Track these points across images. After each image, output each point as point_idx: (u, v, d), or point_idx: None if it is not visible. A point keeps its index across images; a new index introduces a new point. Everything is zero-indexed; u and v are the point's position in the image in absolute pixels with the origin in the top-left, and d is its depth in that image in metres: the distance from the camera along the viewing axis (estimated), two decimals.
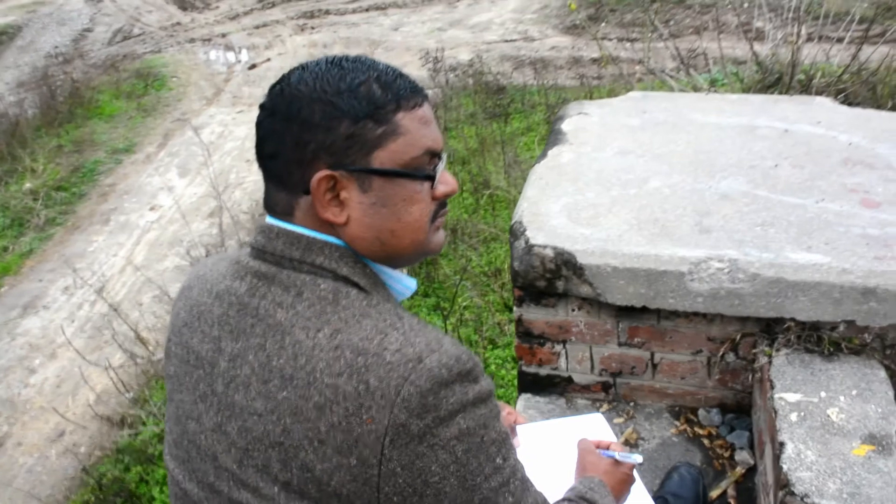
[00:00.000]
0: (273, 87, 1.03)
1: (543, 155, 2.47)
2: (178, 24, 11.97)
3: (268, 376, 0.94)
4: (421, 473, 0.90)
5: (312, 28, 11.24)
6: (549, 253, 2.03)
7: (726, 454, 2.08)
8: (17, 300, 5.83)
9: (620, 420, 2.21)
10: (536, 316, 2.17)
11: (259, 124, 1.03)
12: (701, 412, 2.18)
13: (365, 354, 0.91)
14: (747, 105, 2.74)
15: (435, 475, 0.91)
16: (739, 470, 2.02)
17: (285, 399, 0.92)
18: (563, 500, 1.22)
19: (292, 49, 10.36)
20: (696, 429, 2.15)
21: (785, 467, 1.66)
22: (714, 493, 1.97)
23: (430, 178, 1.04)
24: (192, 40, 11.01)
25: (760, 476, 1.95)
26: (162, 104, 8.89)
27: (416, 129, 1.01)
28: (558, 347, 2.21)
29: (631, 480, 1.40)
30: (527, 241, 2.06)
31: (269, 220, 1.04)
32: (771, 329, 1.99)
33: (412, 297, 4.81)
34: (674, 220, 2.09)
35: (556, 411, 2.25)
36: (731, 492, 1.98)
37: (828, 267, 1.88)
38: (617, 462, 1.39)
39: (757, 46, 5.42)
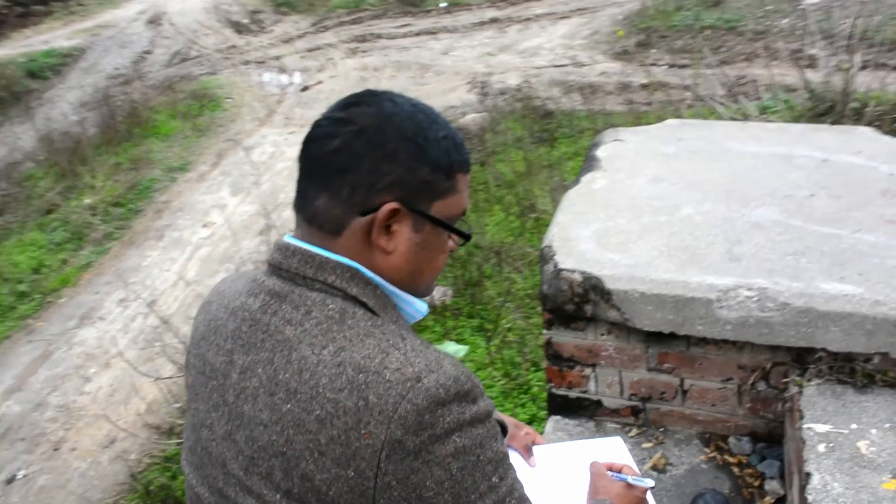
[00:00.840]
0: (361, 104, 1.09)
1: (577, 181, 2.51)
2: (234, 46, 12.32)
3: (274, 389, 1.00)
4: (416, 488, 0.95)
5: (364, 52, 11.45)
6: (578, 277, 2.06)
7: (756, 483, 2.07)
8: (75, 311, 6.04)
9: (649, 445, 2.21)
10: (566, 339, 2.20)
11: (333, 135, 1.06)
12: (731, 440, 2.17)
13: (366, 372, 0.96)
14: (786, 134, 2.74)
15: (430, 490, 0.95)
16: (769, 500, 2.01)
17: (289, 411, 0.98)
18: None
19: (344, 72, 10.57)
20: (725, 456, 2.15)
21: (810, 498, 1.66)
22: None
23: (468, 238, 1.15)
24: (246, 62, 11.31)
25: None
26: (216, 124, 9.14)
27: (464, 192, 1.14)
28: (588, 371, 2.23)
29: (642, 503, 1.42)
30: (555, 266, 2.10)
31: (288, 238, 1.10)
32: (803, 359, 1.99)
33: (456, 318, 4.86)
34: (704, 247, 2.10)
35: (585, 434, 2.27)
36: None
37: (860, 298, 1.87)
38: (630, 486, 1.41)
39: (809, 74, 5.38)
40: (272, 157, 8.64)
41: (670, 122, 2.93)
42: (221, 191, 7.96)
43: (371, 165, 1.05)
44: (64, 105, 10.09)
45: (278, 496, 0.99)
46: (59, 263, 6.76)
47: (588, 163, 2.63)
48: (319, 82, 10.40)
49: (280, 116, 9.53)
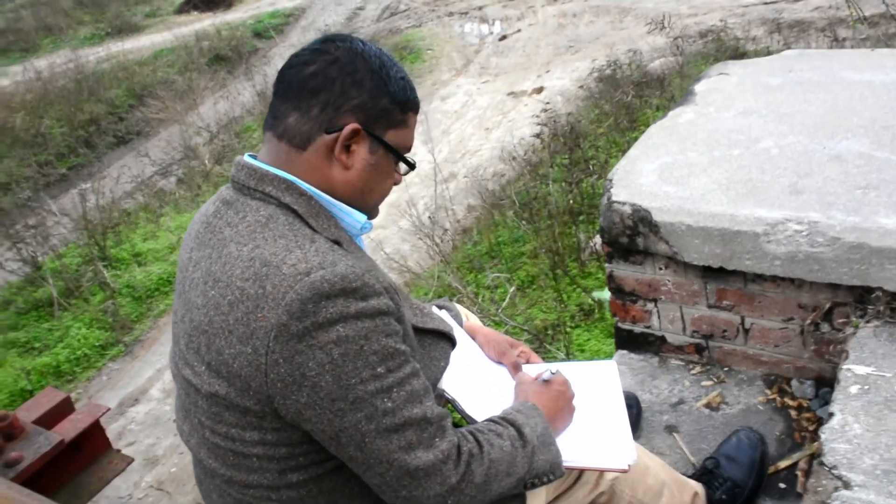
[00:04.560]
0: (336, 41, 1.28)
1: (664, 116, 2.45)
2: None
3: (207, 278, 1.19)
4: (299, 367, 1.10)
5: None
6: (627, 209, 2.06)
7: (811, 428, 1.98)
8: None
9: (709, 383, 2.18)
10: (626, 272, 2.21)
11: (310, 62, 1.26)
12: (794, 383, 2.08)
13: (268, 265, 1.13)
14: None
15: (312, 370, 1.10)
16: (816, 445, 1.92)
17: (212, 297, 1.17)
18: (488, 420, 1.33)
19: (542, 19, 10.54)
20: (786, 399, 2.07)
21: (823, 437, 1.59)
22: (783, 464, 1.90)
23: (412, 167, 1.34)
24: (450, 14, 11.62)
25: None
26: (415, 75, 9.53)
27: (412, 130, 1.34)
28: (650, 306, 2.23)
29: (565, 395, 1.46)
30: (609, 198, 2.11)
31: (244, 157, 1.29)
32: (864, 299, 1.86)
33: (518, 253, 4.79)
34: (768, 180, 2.01)
35: (647, 369, 2.27)
36: (802, 465, 1.90)
37: None
38: (547, 382, 1.46)
39: None
40: (464, 105, 8.91)
41: (788, 52, 2.74)
42: (414, 139, 8.36)
43: (341, 89, 1.24)
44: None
45: (203, 368, 1.19)
46: None
47: (684, 97, 2.56)
48: (518, 31, 10.47)
49: (476, 66, 9.75)
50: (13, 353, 6.10)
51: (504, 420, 1.32)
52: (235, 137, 8.67)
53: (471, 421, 1.42)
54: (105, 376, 5.90)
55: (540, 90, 8.66)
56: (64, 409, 2.04)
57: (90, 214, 7.29)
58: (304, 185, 1.25)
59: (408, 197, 7.33)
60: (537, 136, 6.44)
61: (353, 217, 1.29)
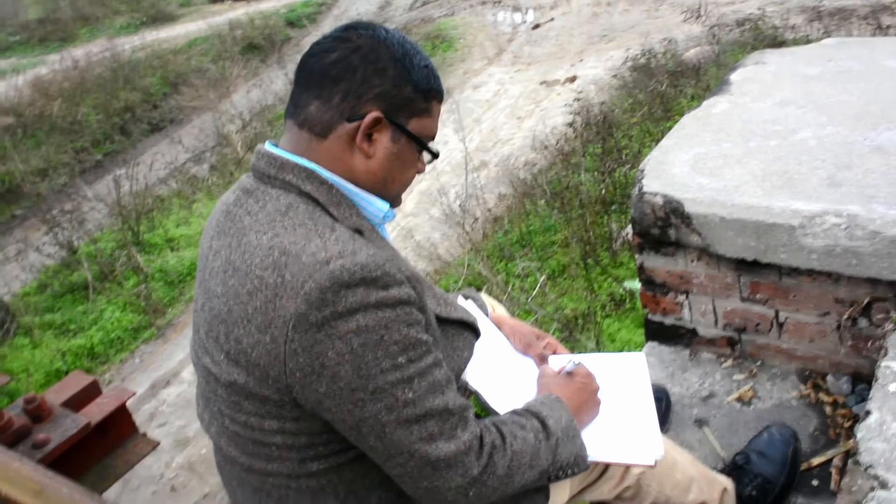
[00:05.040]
0: (358, 29, 1.26)
1: (698, 105, 2.40)
2: None
3: (227, 267, 1.18)
4: (318, 357, 1.08)
5: None
6: (659, 200, 2.02)
7: (846, 425, 1.93)
8: None
9: (741, 377, 2.13)
10: (657, 264, 2.17)
11: (332, 49, 1.24)
12: (829, 378, 2.03)
13: (287, 254, 1.12)
14: None
15: (331, 360, 1.08)
16: (851, 442, 1.87)
17: (232, 286, 1.16)
18: (511, 412, 1.31)
19: (576, 8, 10.43)
20: (821, 395, 2.02)
21: (859, 435, 1.55)
22: (816, 461, 1.85)
23: (436, 156, 1.31)
24: (483, 2, 11.55)
25: None
26: (446, 64, 9.50)
27: (436, 119, 1.30)
28: (681, 298, 2.18)
29: (589, 387, 1.43)
30: (640, 189, 2.07)
31: (265, 145, 1.27)
32: None
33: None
34: (805, 172, 1.95)
35: (678, 362, 2.23)
36: (836, 462, 1.85)
37: None
38: (570, 374, 1.43)
39: None
40: (496, 94, 8.85)
41: (827, 41, 2.67)
42: (445, 128, 8.32)
43: (363, 77, 1.22)
44: None
45: (222, 356, 1.18)
46: None
47: (719, 86, 2.50)
48: (551, 19, 10.38)
49: (509, 55, 9.68)
50: (49, 335, 6.21)
51: (528, 412, 1.30)
52: (268, 125, 8.71)
53: (494, 413, 1.40)
54: (137, 359, 5.97)
55: (573, 79, 8.57)
56: (91, 392, 2.06)
57: (124, 200, 7.37)
58: (326, 174, 1.23)
59: (439, 185, 7.30)
60: (570, 125, 6.37)
61: (375, 205, 1.28)
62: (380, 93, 1.22)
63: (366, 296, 1.09)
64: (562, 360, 1.58)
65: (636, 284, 4.57)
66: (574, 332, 4.18)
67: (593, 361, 1.58)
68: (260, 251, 1.14)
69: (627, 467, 1.49)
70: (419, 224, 6.95)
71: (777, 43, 6.88)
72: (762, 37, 7.17)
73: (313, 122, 1.23)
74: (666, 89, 6.22)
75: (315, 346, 1.08)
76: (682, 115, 6.15)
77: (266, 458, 1.20)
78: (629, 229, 4.89)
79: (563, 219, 5.32)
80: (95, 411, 1.98)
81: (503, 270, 5.21)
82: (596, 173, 5.52)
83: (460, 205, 6.30)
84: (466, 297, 1.68)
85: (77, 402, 2.03)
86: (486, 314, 1.69)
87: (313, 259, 1.10)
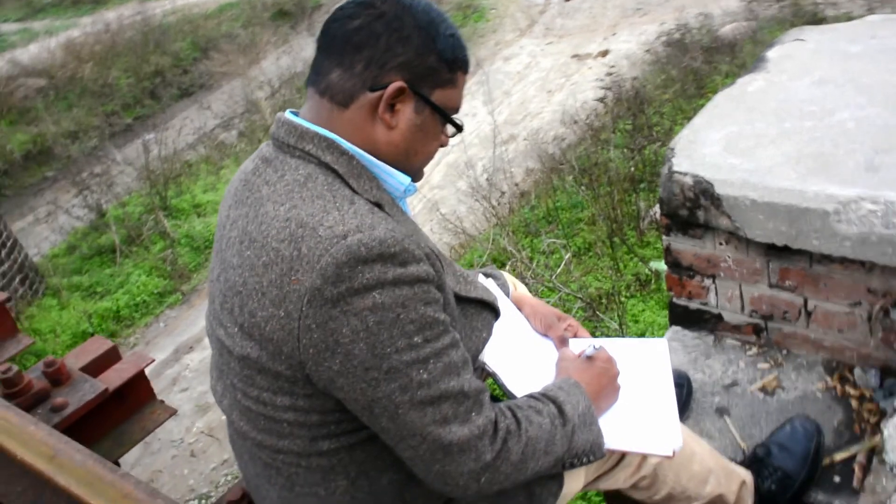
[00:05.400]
0: None
1: (732, 83, 2.33)
2: None
3: (243, 238, 1.16)
4: (332, 333, 1.06)
5: None
6: (689, 181, 1.96)
7: (873, 420, 1.87)
8: None
9: (766, 366, 2.08)
10: (684, 246, 2.11)
11: (355, 16, 1.19)
12: (857, 371, 1.97)
13: (304, 227, 1.08)
14: None
15: (346, 337, 1.05)
16: (877, 439, 1.82)
17: (248, 257, 1.13)
18: (528, 396, 1.28)
19: None
20: (847, 388, 1.96)
21: (886, 432, 1.51)
22: (839, 456, 1.81)
23: (460, 128, 1.26)
24: None
25: None
26: (477, 35, 9.40)
27: (461, 89, 1.26)
28: (707, 282, 2.13)
29: (609, 373, 1.40)
30: (669, 168, 2.01)
31: (285, 113, 1.24)
32: None
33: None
34: (842, 155, 1.88)
35: (701, 347, 2.19)
36: (860, 459, 1.80)
37: None
38: (590, 359, 1.39)
39: None
40: (527, 67, 8.75)
41: (871, 17, 2.57)
42: (474, 99, 8.24)
43: (386, 45, 1.17)
44: None
45: (236, 329, 1.16)
46: None
47: (755, 64, 2.42)
48: None
49: (540, 27, 9.55)
50: (76, 297, 6.29)
51: (545, 397, 1.27)
52: (297, 93, 8.68)
53: (511, 396, 1.37)
54: (162, 323, 6.04)
55: (605, 53, 8.43)
56: (111, 357, 2.07)
57: (153, 165, 7.41)
58: (346, 145, 1.19)
59: (466, 158, 7.24)
60: (601, 100, 6.28)
61: (396, 179, 1.24)
62: (403, 62, 1.17)
63: (383, 272, 1.06)
64: (582, 344, 1.55)
65: (662, 265, 4.50)
66: (597, 312, 4.14)
67: (614, 346, 1.54)
68: (277, 223, 1.11)
69: (644, 457, 1.46)
70: (445, 197, 6.91)
71: (817, 20, 6.70)
72: (802, 13, 7.00)
73: (335, 91, 1.19)
74: (700, 66, 6.09)
75: (329, 322, 1.05)
76: (715, 92, 6.02)
77: (277, 435, 1.18)
78: (657, 208, 4.81)
79: (590, 196, 5.26)
80: (114, 377, 1.98)
81: (528, 246, 5.16)
82: (625, 150, 5.44)
83: (487, 178, 6.25)
84: (487, 276, 1.65)
85: (96, 367, 2.03)
86: (508, 293, 1.65)
87: (330, 233, 1.07)
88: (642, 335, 4.16)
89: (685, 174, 1.97)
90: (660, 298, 4.19)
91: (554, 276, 4.39)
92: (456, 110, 1.26)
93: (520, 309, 1.62)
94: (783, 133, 2.01)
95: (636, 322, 4.28)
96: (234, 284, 1.15)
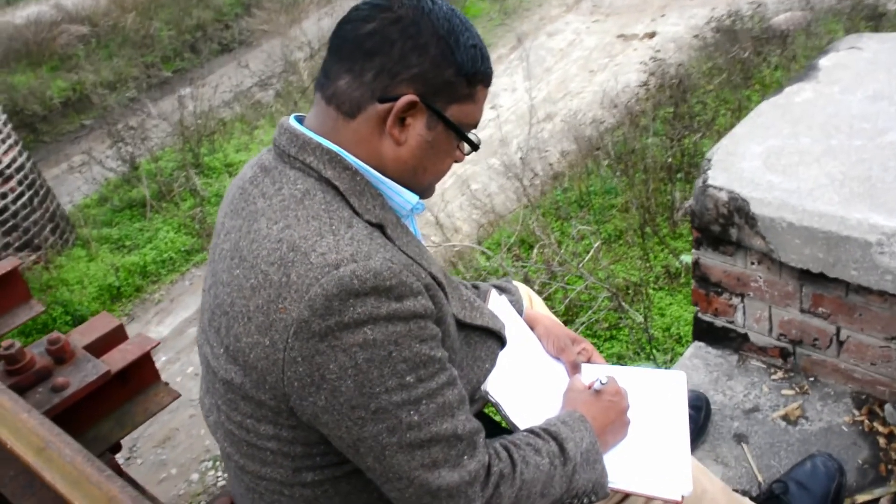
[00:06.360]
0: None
1: (778, 91, 2.20)
2: None
3: (234, 253, 1.09)
4: (319, 368, 0.99)
5: None
6: (724, 196, 1.86)
7: None
8: None
9: (791, 393, 1.99)
10: (714, 262, 2.02)
11: (370, 18, 1.09)
12: (888, 407, 1.88)
13: (296, 251, 1.01)
14: None
15: (332, 373, 0.99)
16: None
17: (236, 276, 1.07)
18: (529, 431, 1.21)
19: None
20: (876, 424, 1.87)
21: None
22: (861, 499, 1.72)
23: (475, 147, 1.17)
24: None
25: None
26: (523, 7, 9.19)
27: (481, 104, 1.16)
28: (735, 300, 2.04)
29: (617, 407, 1.33)
30: (704, 181, 1.91)
31: (289, 119, 1.16)
32: None
33: None
34: (891, 181, 1.77)
35: (724, 367, 2.10)
36: (884, 502, 1.72)
37: None
38: (599, 392, 1.32)
39: None
40: (571, 44, 8.54)
41: None
42: (515, 75, 8.08)
43: (400, 54, 1.08)
44: None
45: (221, 350, 1.10)
46: None
47: (805, 71, 2.29)
48: None
49: (588, 3, 9.31)
50: (105, 249, 6.32)
51: (546, 433, 1.20)
52: None
53: (514, 428, 1.30)
54: (188, 281, 6.05)
55: (652, 35, 8.20)
56: (116, 336, 2.04)
57: (187, 121, 7.39)
58: (350, 158, 1.11)
59: (501, 135, 7.12)
60: (643, 84, 6.11)
61: (403, 197, 1.16)
62: (417, 73, 1.08)
63: (376, 306, 0.99)
64: (595, 371, 1.47)
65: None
66: (623, 303, 4.05)
67: (628, 375, 1.46)
68: (268, 243, 1.04)
69: (650, 498, 1.39)
70: (477, 173, 6.80)
71: (878, 14, 6.43)
72: (861, 6, 6.71)
73: (342, 99, 1.10)
74: (749, 56, 5.88)
75: (316, 356, 0.99)
76: (762, 84, 5.81)
77: (260, 462, 1.13)
78: (692, 200, 4.68)
79: (625, 182, 5.13)
80: (118, 358, 1.95)
81: (558, 229, 5.07)
82: (664, 138, 5.29)
83: (521, 158, 6.14)
84: (502, 290, 1.57)
85: (101, 345, 2.00)
86: (521, 310, 1.57)
87: (323, 260, 0.99)
88: (668, 329, 4.09)
89: (720, 189, 1.87)
90: (688, 293, 4.08)
91: (580, 265, 4.29)
92: (473, 126, 1.17)
93: (533, 328, 1.54)
94: (829, 151, 1.90)
95: (662, 316, 4.19)
96: (223, 303, 1.09)
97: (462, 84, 1.11)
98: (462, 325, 1.21)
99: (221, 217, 1.20)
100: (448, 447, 1.04)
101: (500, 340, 1.31)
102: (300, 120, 1.17)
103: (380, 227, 1.09)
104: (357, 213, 1.08)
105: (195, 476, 4.11)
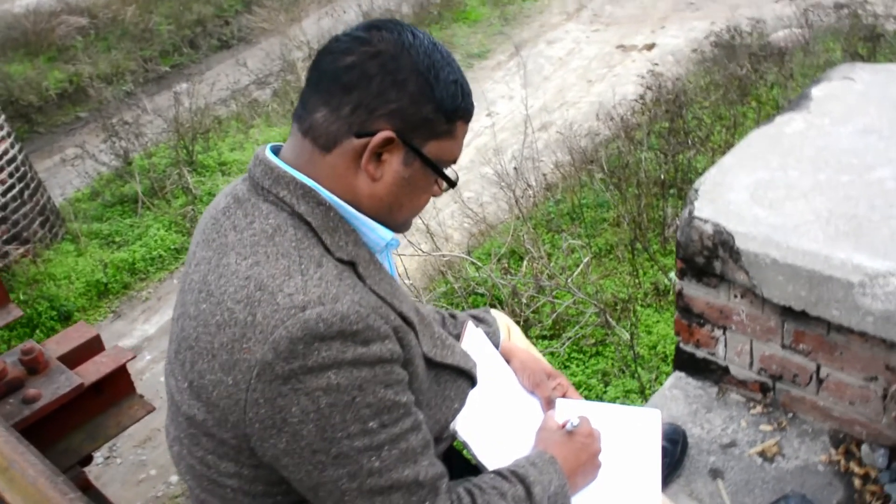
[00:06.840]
0: (383, 29, 1.09)
1: (769, 120, 2.19)
2: None
3: (202, 287, 1.07)
4: (280, 411, 0.97)
5: None
6: (709, 229, 1.85)
7: None
8: None
9: (769, 428, 1.98)
10: (697, 293, 2.00)
11: (349, 52, 1.07)
12: (864, 448, 1.87)
13: (263, 290, 0.99)
14: None
15: (294, 416, 0.97)
16: None
17: (203, 311, 1.04)
18: (496, 473, 1.19)
19: None
20: (852, 464, 1.86)
21: None
22: None
23: (453, 184, 1.15)
24: None
25: None
26: (523, 14, 9.18)
27: (460, 140, 1.15)
28: (717, 333, 2.02)
29: (589, 449, 1.31)
30: (690, 212, 1.90)
31: (265, 149, 1.14)
32: None
33: None
34: (877, 220, 1.75)
35: (703, 399, 2.09)
36: None
37: None
38: (571, 433, 1.30)
39: None
40: (570, 53, 8.53)
41: None
42: (513, 82, 8.07)
43: (378, 89, 1.05)
44: None
45: (185, 385, 1.08)
46: None
47: (796, 101, 2.28)
48: None
49: (588, 12, 9.31)
50: (94, 244, 6.28)
51: (514, 475, 1.18)
52: None
53: (482, 468, 1.28)
54: (176, 279, 6.01)
55: (651, 47, 8.20)
56: (92, 347, 2.01)
57: (182, 117, 7.35)
58: (325, 193, 1.09)
59: (496, 144, 7.11)
60: (640, 98, 6.09)
61: (377, 233, 1.13)
62: (395, 109, 1.05)
63: (342, 351, 0.97)
64: (570, 406, 1.45)
65: None
66: (610, 319, 4.04)
67: (603, 412, 1.45)
68: (236, 279, 1.02)
69: None
70: (470, 181, 6.77)
71: (875, 35, 6.43)
72: (859, 26, 6.71)
73: (318, 133, 1.08)
74: (746, 73, 5.87)
75: (278, 398, 0.97)
76: (758, 101, 5.78)
77: (220, 498, 1.11)
78: (679, 232, 4.67)
79: (617, 197, 5.12)
80: (92, 370, 1.93)
81: (548, 242, 5.06)
82: (658, 153, 5.28)
83: (515, 168, 6.12)
84: (479, 322, 1.55)
85: (76, 356, 1.98)
86: (498, 342, 1.55)
87: (289, 301, 0.97)
88: (654, 347, 4.08)
89: (706, 221, 1.86)
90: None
91: (569, 279, 4.28)
92: (452, 162, 1.15)
93: (508, 361, 1.53)
94: (816, 186, 1.89)
95: (649, 333, 4.18)
96: (188, 336, 1.07)
97: (441, 120, 1.09)
98: (432, 364, 1.19)
99: (193, 246, 1.17)
100: (409, 494, 1.02)
101: (471, 380, 1.29)
102: (276, 150, 1.15)
103: (351, 265, 1.07)
104: (329, 251, 1.06)
105: (174, 478, 4.08)
